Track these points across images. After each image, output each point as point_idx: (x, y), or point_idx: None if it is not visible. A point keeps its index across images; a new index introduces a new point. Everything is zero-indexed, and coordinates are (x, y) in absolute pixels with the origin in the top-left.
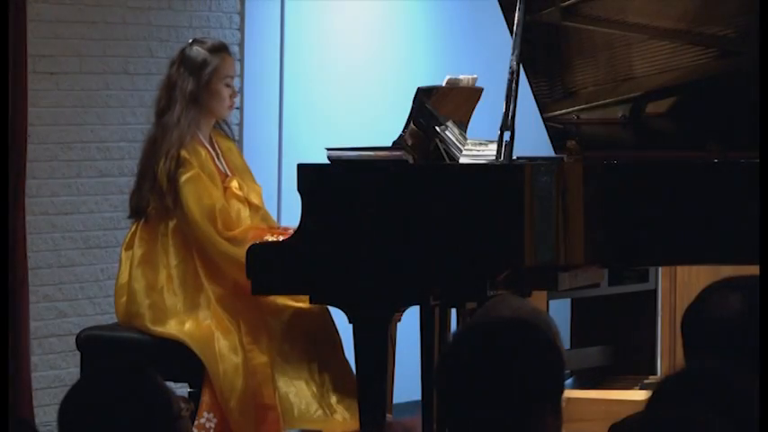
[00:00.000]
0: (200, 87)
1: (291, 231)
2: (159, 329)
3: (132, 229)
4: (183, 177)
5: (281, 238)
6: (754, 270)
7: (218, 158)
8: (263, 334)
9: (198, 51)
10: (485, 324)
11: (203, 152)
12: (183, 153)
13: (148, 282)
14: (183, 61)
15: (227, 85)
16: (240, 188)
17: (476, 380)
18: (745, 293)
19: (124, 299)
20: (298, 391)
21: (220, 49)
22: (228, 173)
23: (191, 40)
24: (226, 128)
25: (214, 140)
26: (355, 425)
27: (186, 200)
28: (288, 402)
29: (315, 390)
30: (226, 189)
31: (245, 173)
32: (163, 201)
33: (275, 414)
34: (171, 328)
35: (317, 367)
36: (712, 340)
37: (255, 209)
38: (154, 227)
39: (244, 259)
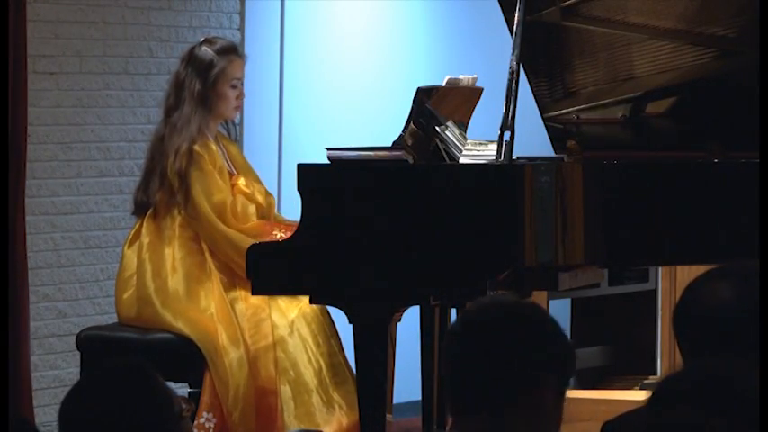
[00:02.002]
0: (206, 88)
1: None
2: (168, 316)
3: (136, 226)
4: (194, 174)
5: (289, 234)
6: None
7: (225, 157)
8: (265, 318)
9: (206, 52)
10: (495, 300)
11: (214, 147)
12: (196, 148)
13: (154, 268)
14: (191, 61)
15: (234, 87)
16: (247, 186)
17: (481, 347)
18: (734, 281)
19: (129, 292)
20: (297, 380)
21: (229, 51)
22: (234, 171)
23: (202, 39)
24: (231, 129)
25: (219, 141)
26: (353, 416)
27: (197, 196)
28: (287, 393)
29: (314, 380)
30: (233, 186)
31: (248, 172)
32: (173, 198)
33: (275, 399)
34: (177, 315)
35: (316, 360)
36: (707, 334)
37: (259, 207)
38: (160, 221)
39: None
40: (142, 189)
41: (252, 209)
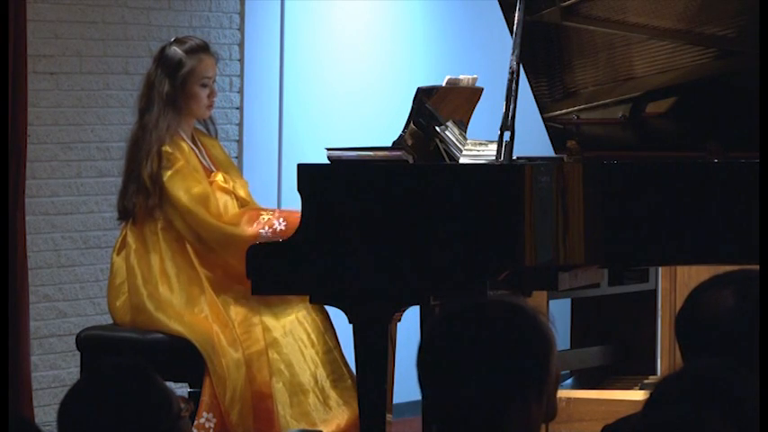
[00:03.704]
0: (175, 89)
1: (286, 212)
2: (163, 319)
3: (122, 233)
4: (168, 173)
5: (276, 214)
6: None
7: (201, 155)
8: (256, 322)
9: (175, 52)
10: (470, 305)
11: (186, 146)
12: (165, 147)
13: (143, 275)
14: (161, 61)
15: (204, 86)
16: (226, 182)
17: (458, 360)
18: (736, 288)
19: (122, 299)
20: (292, 380)
21: (198, 50)
22: (213, 168)
23: (173, 39)
24: (210, 126)
25: (196, 138)
26: (352, 414)
27: (175, 192)
28: (283, 394)
29: (310, 380)
30: (211, 183)
31: (229, 167)
32: (148, 201)
33: (271, 403)
34: (172, 319)
35: (311, 359)
36: (709, 340)
37: (243, 202)
38: (142, 226)
39: (239, 240)
40: (122, 195)
41: (232, 204)
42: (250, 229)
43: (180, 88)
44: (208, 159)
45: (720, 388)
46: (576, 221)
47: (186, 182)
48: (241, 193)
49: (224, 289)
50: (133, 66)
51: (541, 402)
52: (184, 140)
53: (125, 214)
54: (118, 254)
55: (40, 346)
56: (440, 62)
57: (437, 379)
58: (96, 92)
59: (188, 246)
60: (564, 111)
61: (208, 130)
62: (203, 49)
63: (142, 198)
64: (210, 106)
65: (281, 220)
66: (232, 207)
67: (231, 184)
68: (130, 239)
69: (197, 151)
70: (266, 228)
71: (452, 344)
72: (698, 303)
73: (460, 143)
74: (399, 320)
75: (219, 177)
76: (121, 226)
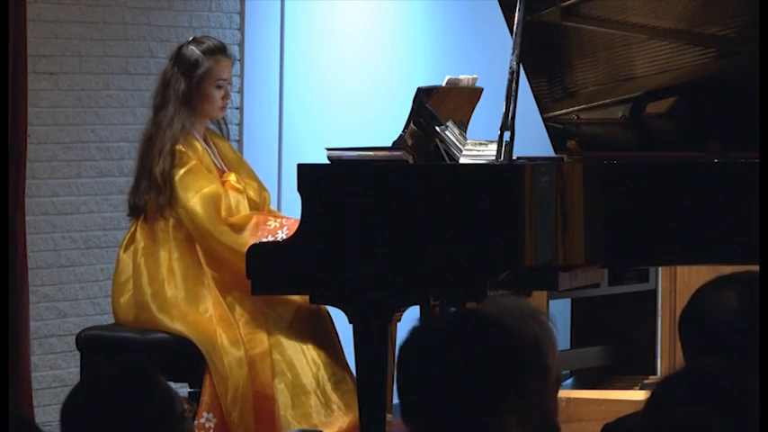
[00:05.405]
0: (191, 88)
1: (292, 221)
2: (166, 320)
3: (131, 230)
4: (181, 171)
5: (282, 221)
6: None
7: (214, 155)
8: (260, 324)
9: (192, 51)
10: (435, 321)
11: (199, 146)
12: (179, 147)
13: (150, 272)
14: (178, 60)
15: (219, 87)
16: (238, 182)
17: (429, 372)
18: (741, 289)
19: (126, 296)
20: (294, 381)
21: (215, 52)
22: (225, 169)
23: (191, 38)
24: (223, 126)
25: (209, 138)
26: (352, 417)
27: (185, 192)
28: (284, 395)
29: (312, 382)
30: (224, 183)
31: (240, 167)
32: (159, 198)
33: (272, 404)
34: (175, 319)
35: (313, 361)
36: (712, 340)
37: (252, 203)
38: (153, 224)
39: (245, 247)
40: (134, 192)
41: (244, 204)
42: (252, 241)
43: (195, 88)
44: (220, 159)
45: (721, 388)
46: (576, 221)
47: (198, 181)
48: (251, 193)
49: (230, 289)
50: (133, 66)
51: (516, 412)
52: (198, 140)
53: (136, 211)
54: (125, 250)
55: (40, 346)
56: (440, 62)
57: (412, 396)
58: (96, 92)
59: (197, 245)
60: (564, 111)
61: (221, 130)
62: (221, 50)
63: (153, 195)
64: (224, 108)
65: (285, 229)
66: (244, 207)
67: (243, 184)
68: (139, 236)
69: (210, 151)
70: (269, 237)
71: (421, 361)
72: (702, 303)
73: (460, 143)
74: (399, 320)
75: (232, 177)
76: (131, 223)
